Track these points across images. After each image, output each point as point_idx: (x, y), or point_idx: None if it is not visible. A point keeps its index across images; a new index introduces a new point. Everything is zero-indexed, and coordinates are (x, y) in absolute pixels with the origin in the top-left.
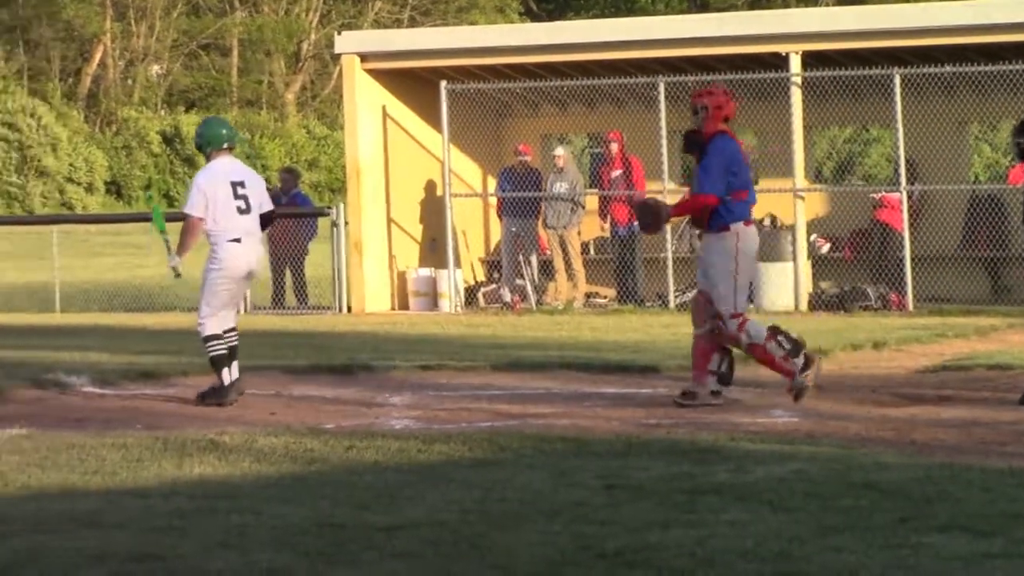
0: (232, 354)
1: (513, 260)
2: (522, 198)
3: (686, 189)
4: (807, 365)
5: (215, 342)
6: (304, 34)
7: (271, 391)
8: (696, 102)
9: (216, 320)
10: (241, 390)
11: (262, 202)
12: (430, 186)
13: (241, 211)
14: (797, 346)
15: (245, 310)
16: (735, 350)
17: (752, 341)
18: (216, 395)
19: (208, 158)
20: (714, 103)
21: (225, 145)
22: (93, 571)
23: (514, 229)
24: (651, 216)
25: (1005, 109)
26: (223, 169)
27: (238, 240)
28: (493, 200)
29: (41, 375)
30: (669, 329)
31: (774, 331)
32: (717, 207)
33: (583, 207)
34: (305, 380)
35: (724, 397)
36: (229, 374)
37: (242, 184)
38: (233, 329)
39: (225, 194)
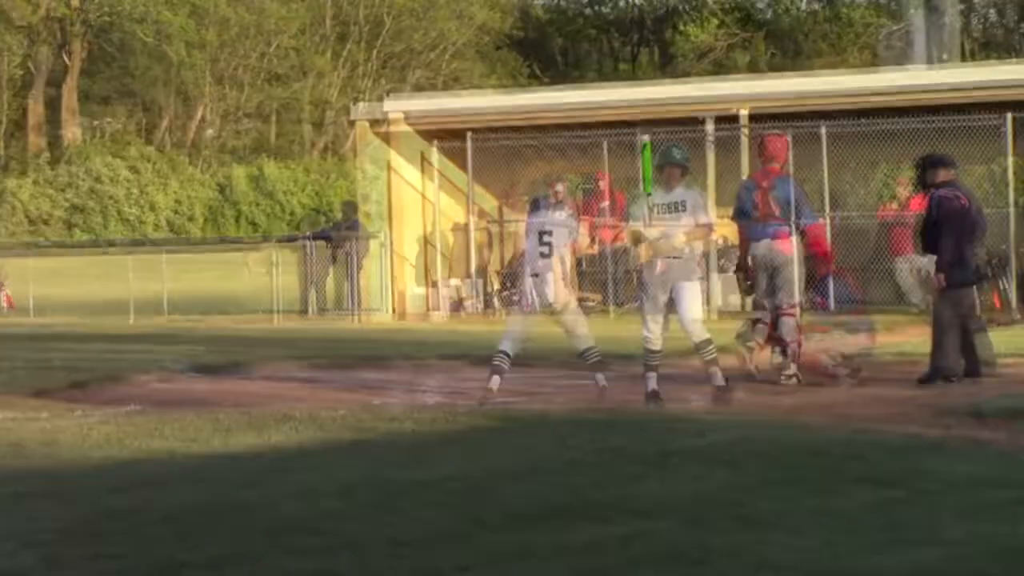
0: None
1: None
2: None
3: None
4: None
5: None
6: (360, 95)
7: (334, 375)
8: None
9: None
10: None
11: None
12: (457, 215)
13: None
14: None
15: (312, 311)
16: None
17: None
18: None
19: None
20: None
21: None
22: (194, 518)
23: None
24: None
25: (907, 154)
26: None
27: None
28: (512, 226)
29: (152, 365)
30: None
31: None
32: None
33: (577, 231)
34: (359, 367)
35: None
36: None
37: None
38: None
39: None
